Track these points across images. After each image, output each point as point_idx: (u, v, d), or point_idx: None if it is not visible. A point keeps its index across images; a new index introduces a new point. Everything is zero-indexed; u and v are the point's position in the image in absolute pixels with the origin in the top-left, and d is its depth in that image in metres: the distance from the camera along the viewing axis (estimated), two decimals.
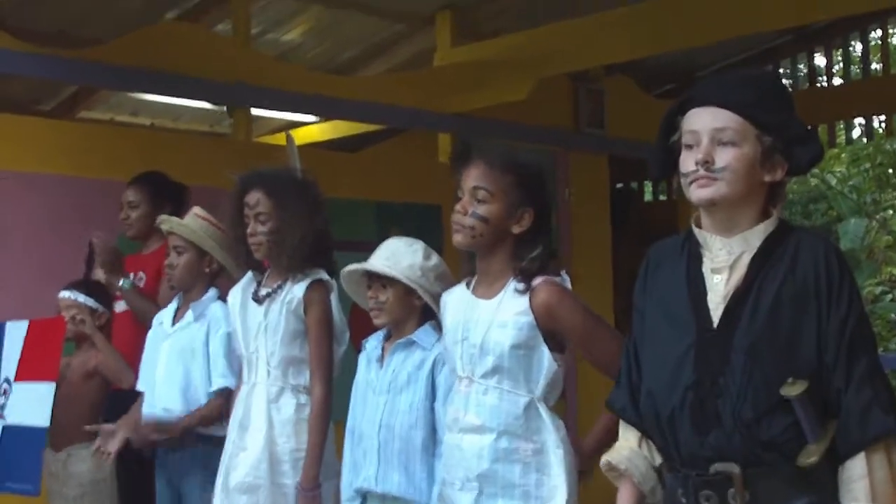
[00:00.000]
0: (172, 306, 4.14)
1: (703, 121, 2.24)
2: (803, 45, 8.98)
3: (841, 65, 9.15)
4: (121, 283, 4.59)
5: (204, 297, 4.04)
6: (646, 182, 10.08)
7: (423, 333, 3.22)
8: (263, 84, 5.97)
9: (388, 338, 3.33)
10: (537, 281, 2.80)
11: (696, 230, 2.32)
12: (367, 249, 3.45)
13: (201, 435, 3.91)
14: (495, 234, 2.83)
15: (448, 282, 3.20)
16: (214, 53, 5.83)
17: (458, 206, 2.85)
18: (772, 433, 2.14)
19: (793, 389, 2.11)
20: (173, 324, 4.08)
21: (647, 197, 10.45)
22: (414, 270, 3.21)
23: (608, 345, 2.77)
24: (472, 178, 2.84)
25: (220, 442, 3.73)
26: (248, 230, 3.54)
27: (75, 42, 6.25)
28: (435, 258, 3.27)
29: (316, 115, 7.37)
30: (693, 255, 2.31)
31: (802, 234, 2.26)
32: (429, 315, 3.25)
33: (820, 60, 9.46)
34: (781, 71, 9.20)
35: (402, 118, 6.73)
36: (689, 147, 2.26)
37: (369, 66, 7.60)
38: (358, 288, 3.38)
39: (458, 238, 2.85)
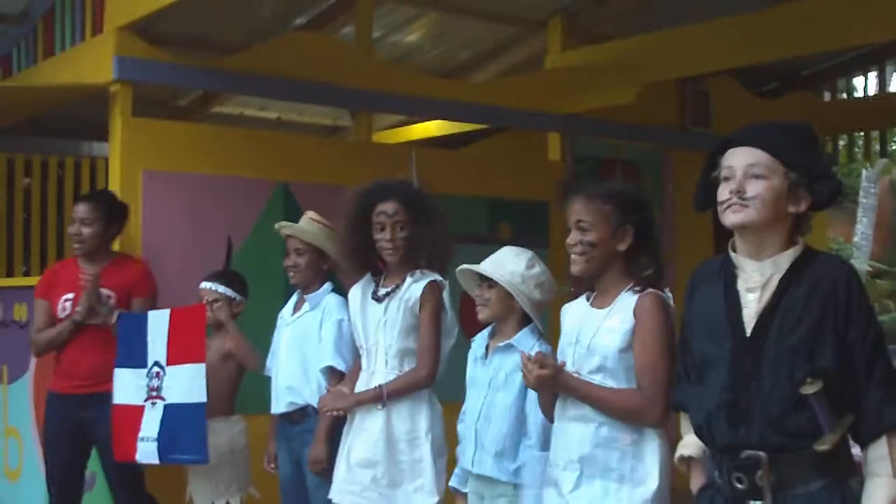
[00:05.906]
0: (292, 300, 4.66)
1: (738, 158, 2.67)
2: None
3: None
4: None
5: (320, 290, 4.56)
6: None
7: (523, 337, 3.60)
8: (383, 88, 6.33)
9: (492, 335, 3.72)
10: (645, 292, 3.17)
11: (732, 254, 2.71)
12: (479, 242, 3.81)
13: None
14: (604, 255, 3.21)
15: (548, 291, 3.61)
16: (339, 61, 6.20)
17: (568, 240, 3.23)
18: (795, 425, 2.55)
19: (811, 388, 2.53)
20: (293, 314, 4.60)
21: None
22: (515, 277, 3.59)
23: (653, 366, 3.08)
24: (576, 213, 3.23)
25: (336, 417, 4.10)
26: (386, 236, 3.91)
27: (210, 47, 6.69)
28: (538, 268, 3.64)
29: (433, 117, 7.75)
30: (729, 275, 2.70)
31: (825, 259, 2.67)
32: (530, 317, 3.62)
33: None
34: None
35: (515, 119, 7.07)
36: (727, 179, 2.67)
37: (483, 67, 7.92)
38: (471, 283, 3.78)
39: (575, 269, 3.23)
